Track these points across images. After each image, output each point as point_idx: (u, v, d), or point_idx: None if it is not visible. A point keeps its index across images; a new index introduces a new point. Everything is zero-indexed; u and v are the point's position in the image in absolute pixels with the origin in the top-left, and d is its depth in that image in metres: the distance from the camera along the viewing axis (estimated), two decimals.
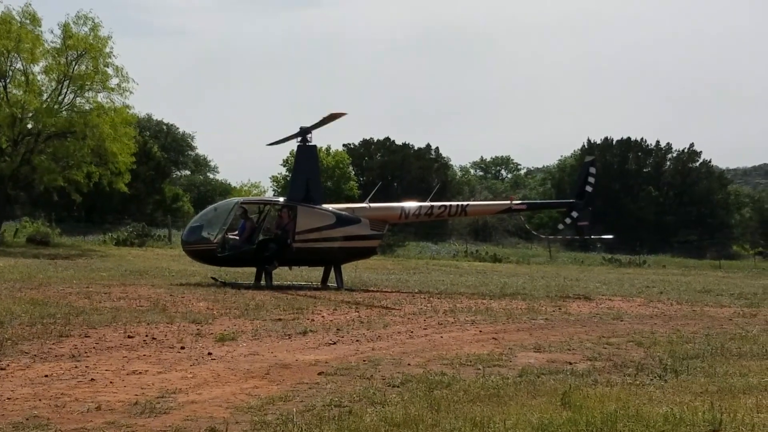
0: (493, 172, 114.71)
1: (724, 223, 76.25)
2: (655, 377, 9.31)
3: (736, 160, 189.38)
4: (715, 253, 64.55)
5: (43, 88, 40.66)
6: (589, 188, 23.14)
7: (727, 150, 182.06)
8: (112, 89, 40.83)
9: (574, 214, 23.12)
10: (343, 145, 75.16)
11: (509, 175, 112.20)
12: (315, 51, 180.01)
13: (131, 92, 41.55)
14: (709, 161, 79.08)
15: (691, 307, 18.88)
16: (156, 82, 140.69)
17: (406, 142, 78.28)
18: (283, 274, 23.45)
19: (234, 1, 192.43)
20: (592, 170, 23.55)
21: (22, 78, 40.06)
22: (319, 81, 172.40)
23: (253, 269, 22.03)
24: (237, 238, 21.76)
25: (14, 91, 39.97)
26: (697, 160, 78.41)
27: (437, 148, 79.95)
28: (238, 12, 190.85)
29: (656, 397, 8.05)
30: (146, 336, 11.55)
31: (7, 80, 39.97)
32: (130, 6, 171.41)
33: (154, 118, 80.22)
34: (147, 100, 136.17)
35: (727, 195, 78.83)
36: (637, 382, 8.95)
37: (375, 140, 78.16)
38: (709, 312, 17.88)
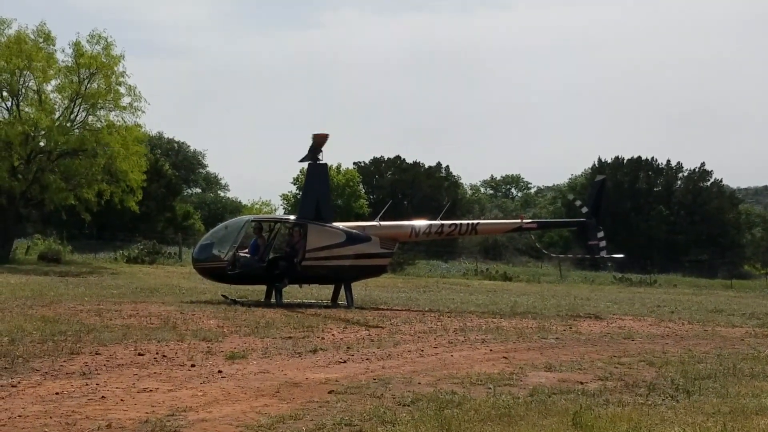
0: (504, 190, 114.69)
1: (736, 242, 75.91)
2: (666, 397, 9.27)
3: (748, 180, 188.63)
4: (727, 273, 64.21)
5: (56, 107, 40.90)
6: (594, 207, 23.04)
7: (738, 169, 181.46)
8: (124, 108, 41.06)
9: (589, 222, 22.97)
10: (354, 163, 75.43)
11: (519, 194, 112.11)
12: (323, 70, 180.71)
13: (143, 111, 41.81)
14: (720, 180, 78.86)
15: (703, 327, 18.79)
16: (167, 100, 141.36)
17: (417, 161, 78.45)
18: (293, 292, 23.46)
19: (242, 22, 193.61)
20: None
21: (35, 96, 40.32)
22: (329, 99, 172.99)
23: (263, 287, 22.05)
24: (248, 255, 21.77)
25: (26, 110, 40.23)
26: (708, 180, 78.20)
27: (447, 166, 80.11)
28: (246, 32, 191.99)
29: (668, 418, 8.01)
30: (157, 354, 11.56)
31: (20, 98, 40.23)
32: (137, 26, 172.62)
33: (165, 136, 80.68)
34: (158, 119, 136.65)
35: (739, 214, 78.53)
36: (649, 403, 8.92)
37: (385, 158, 78.30)
38: (720, 332, 17.79)
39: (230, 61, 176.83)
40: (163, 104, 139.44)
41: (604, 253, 23.45)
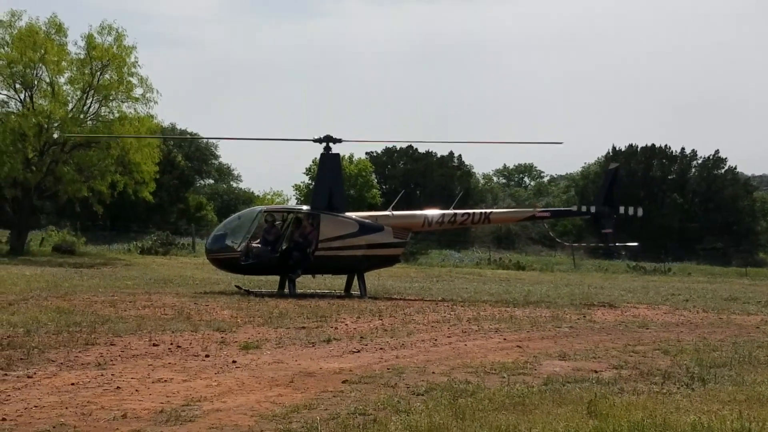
0: (516, 179, 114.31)
1: (750, 230, 75.50)
2: (682, 386, 9.24)
3: (763, 167, 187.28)
4: (741, 261, 63.94)
5: (69, 98, 40.94)
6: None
7: (752, 157, 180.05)
8: (137, 99, 41.09)
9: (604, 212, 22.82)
10: (366, 153, 75.14)
11: (532, 183, 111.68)
12: (335, 60, 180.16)
13: (155, 102, 41.82)
14: (735, 168, 78.32)
15: (718, 315, 18.72)
16: (179, 92, 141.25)
17: (429, 150, 78.23)
18: (306, 283, 23.48)
19: (251, 13, 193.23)
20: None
21: (48, 88, 40.38)
22: (340, 90, 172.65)
23: (277, 277, 22.09)
24: (260, 246, 21.81)
25: (40, 101, 40.31)
26: (723, 167, 77.70)
27: (460, 155, 79.80)
28: (256, 23, 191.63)
29: (683, 406, 7.98)
30: (171, 344, 11.60)
31: (33, 90, 40.33)
32: (147, 18, 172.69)
33: (178, 127, 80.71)
34: (171, 110, 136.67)
35: (753, 202, 78.04)
36: (664, 391, 8.89)
37: (398, 148, 78.11)
38: (735, 320, 17.72)
39: (241, 53, 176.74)
40: (176, 96, 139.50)
41: (609, 230, 23.18)
